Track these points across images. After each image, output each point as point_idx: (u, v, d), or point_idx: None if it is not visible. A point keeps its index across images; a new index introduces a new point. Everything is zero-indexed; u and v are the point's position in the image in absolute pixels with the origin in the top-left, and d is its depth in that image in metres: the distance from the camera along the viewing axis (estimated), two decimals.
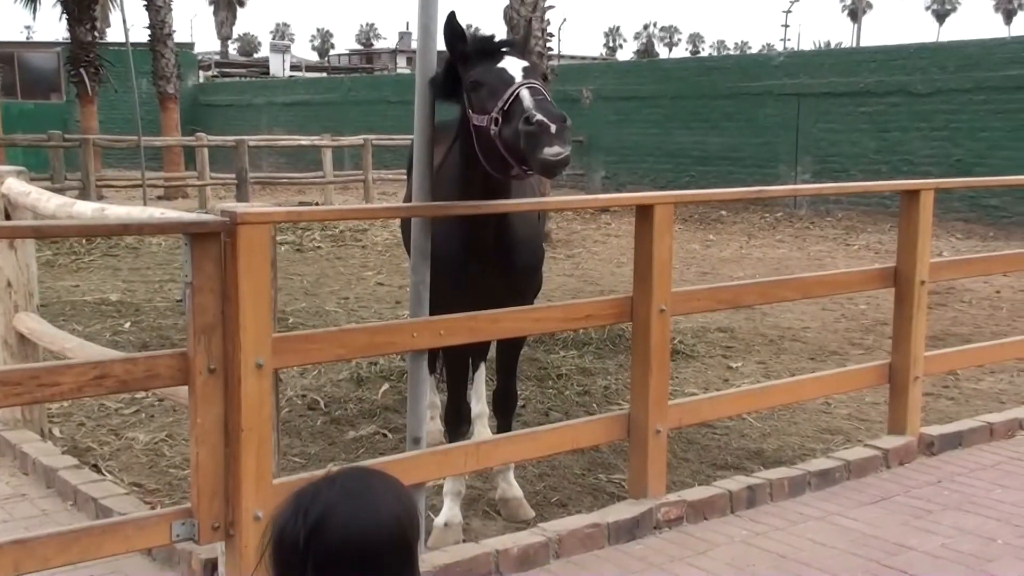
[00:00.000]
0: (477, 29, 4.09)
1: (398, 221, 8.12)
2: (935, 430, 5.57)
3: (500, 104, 3.67)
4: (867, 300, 9.83)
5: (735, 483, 4.77)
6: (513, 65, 3.80)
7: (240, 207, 3.37)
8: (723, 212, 18.33)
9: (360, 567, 1.56)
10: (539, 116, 3.43)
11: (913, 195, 5.33)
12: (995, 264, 6.60)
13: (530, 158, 3.52)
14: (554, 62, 18.57)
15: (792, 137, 19.63)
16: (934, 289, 8.32)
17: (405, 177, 5.92)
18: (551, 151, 3.43)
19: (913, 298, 5.33)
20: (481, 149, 3.87)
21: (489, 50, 3.86)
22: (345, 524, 1.57)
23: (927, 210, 5.31)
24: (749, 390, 5.52)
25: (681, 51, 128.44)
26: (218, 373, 3.33)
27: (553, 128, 3.41)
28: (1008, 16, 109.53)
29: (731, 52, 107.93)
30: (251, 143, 20.29)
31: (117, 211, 3.90)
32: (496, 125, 3.69)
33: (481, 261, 4.26)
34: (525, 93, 3.60)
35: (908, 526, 4.49)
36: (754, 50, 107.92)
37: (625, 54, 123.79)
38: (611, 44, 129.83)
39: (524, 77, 3.73)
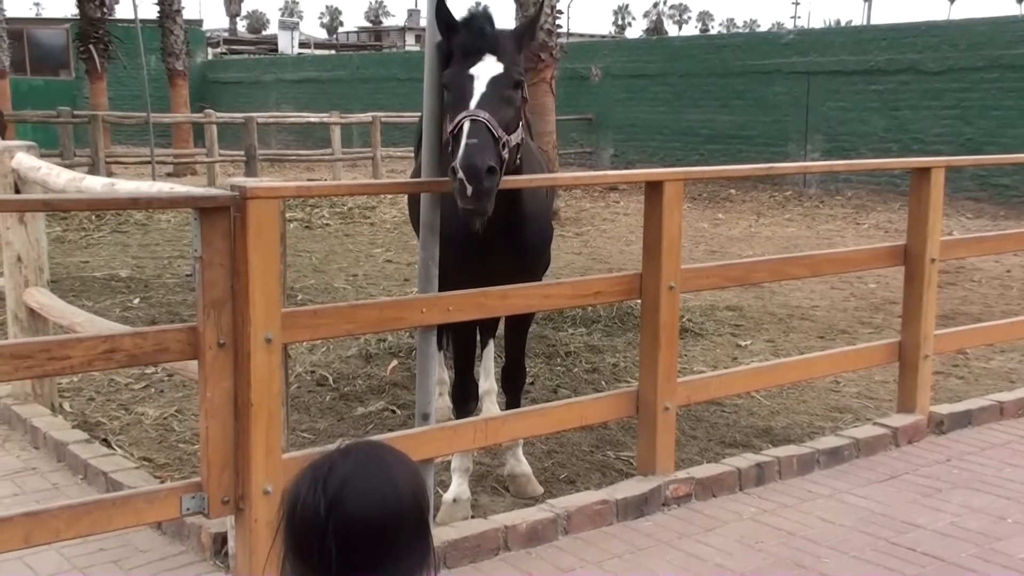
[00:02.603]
0: (483, 6, 4.00)
1: (406, 198, 8.08)
2: (945, 409, 5.56)
3: (451, 126, 3.70)
4: (876, 279, 9.80)
5: (744, 460, 4.77)
6: (484, 73, 3.74)
7: (249, 182, 3.37)
8: (732, 191, 18.26)
9: (380, 539, 1.54)
10: (460, 174, 3.47)
11: (924, 173, 5.31)
12: (1007, 242, 6.56)
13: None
14: (563, 40, 18.48)
15: (802, 115, 19.52)
16: (944, 268, 8.29)
17: (413, 155, 5.89)
18: (465, 204, 3.55)
19: (923, 276, 5.31)
20: None
21: (471, 49, 3.79)
22: (364, 496, 1.54)
23: (938, 188, 5.28)
24: (758, 367, 5.52)
25: (691, 29, 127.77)
26: (228, 347, 3.33)
27: (470, 190, 3.47)
28: None
29: (741, 30, 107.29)
30: (260, 120, 20.25)
31: (127, 186, 3.90)
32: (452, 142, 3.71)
33: (489, 238, 4.24)
34: (466, 128, 3.58)
35: (917, 504, 4.49)
36: (764, 28, 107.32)
37: (634, 32, 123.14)
38: (620, 22, 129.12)
39: (484, 95, 3.68)
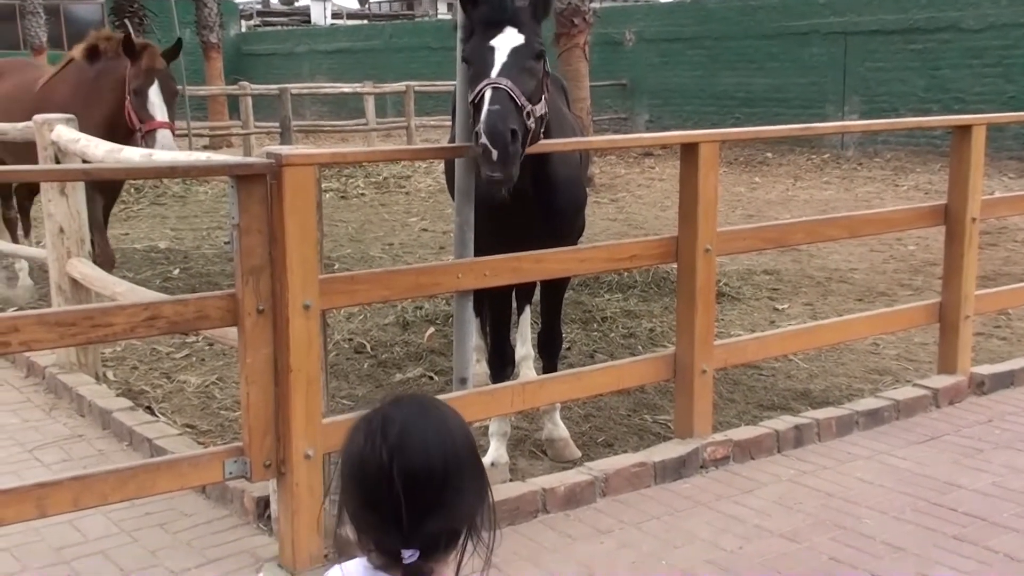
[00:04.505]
0: None
1: (441, 167, 8.07)
2: (986, 369, 5.51)
3: (472, 96, 3.68)
4: (916, 241, 9.69)
5: (782, 423, 4.76)
6: (504, 44, 3.72)
7: (285, 149, 3.39)
8: (768, 154, 18.09)
9: (444, 480, 1.58)
10: (484, 139, 3.46)
11: (965, 131, 5.23)
12: None
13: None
14: (596, 4, 18.32)
15: (839, 76, 19.24)
16: (985, 229, 8.17)
17: (449, 123, 5.85)
18: (488, 172, 3.53)
19: (964, 236, 5.24)
20: None
21: (491, 21, 3.77)
22: (424, 439, 1.58)
23: (979, 146, 5.20)
24: (796, 330, 5.49)
25: None
26: (266, 314, 3.37)
27: (495, 155, 3.45)
28: None
29: None
30: (294, 91, 20.29)
31: (164, 155, 3.93)
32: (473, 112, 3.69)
33: (522, 204, 4.23)
34: (488, 95, 3.56)
35: (958, 465, 4.46)
36: None
37: None
38: None
39: (505, 64, 3.65)
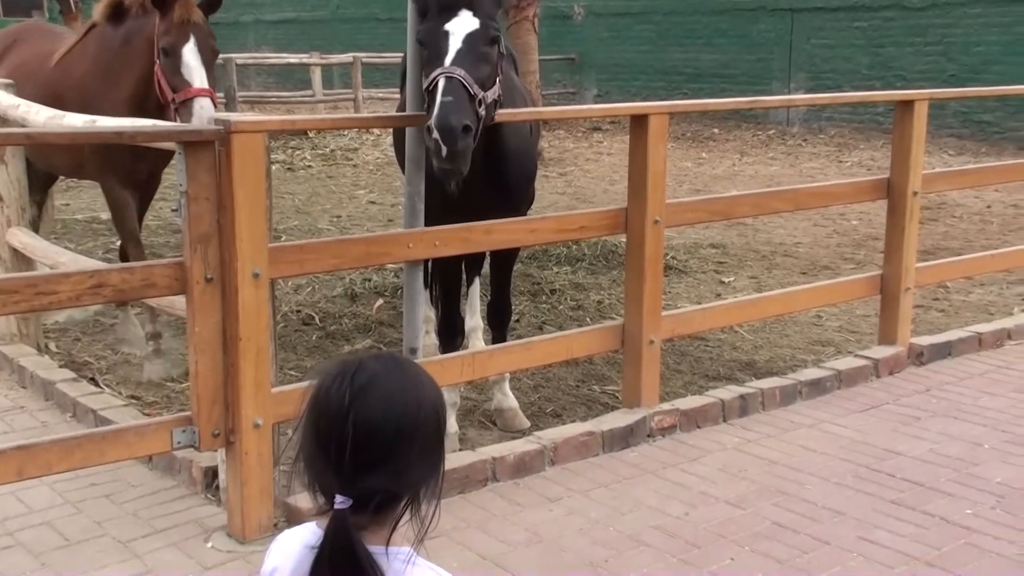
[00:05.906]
0: None
1: (390, 140, 8.04)
2: (925, 340, 5.63)
3: (427, 83, 3.69)
4: (859, 216, 9.84)
5: (727, 392, 4.83)
6: (459, 28, 3.71)
7: (233, 116, 3.36)
8: (715, 130, 18.22)
9: (396, 439, 1.55)
10: (436, 134, 3.49)
11: (907, 106, 5.32)
12: (988, 175, 6.59)
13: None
14: None
15: (786, 53, 19.40)
16: (926, 204, 8.33)
17: (397, 96, 5.80)
18: (440, 164, 3.60)
19: (905, 209, 5.35)
20: None
21: (446, 3, 3.75)
22: (389, 394, 1.56)
23: (921, 121, 5.30)
24: (742, 301, 5.56)
25: None
26: (215, 282, 3.34)
27: (444, 152, 3.50)
28: None
29: None
30: (239, 61, 19.97)
31: (108, 122, 3.86)
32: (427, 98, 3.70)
33: (472, 175, 4.23)
34: (441, 85, 3.57)
35: (897, 432, 4.57)
36: None
37: None
38: None
39: (459, 51, 3.65)
